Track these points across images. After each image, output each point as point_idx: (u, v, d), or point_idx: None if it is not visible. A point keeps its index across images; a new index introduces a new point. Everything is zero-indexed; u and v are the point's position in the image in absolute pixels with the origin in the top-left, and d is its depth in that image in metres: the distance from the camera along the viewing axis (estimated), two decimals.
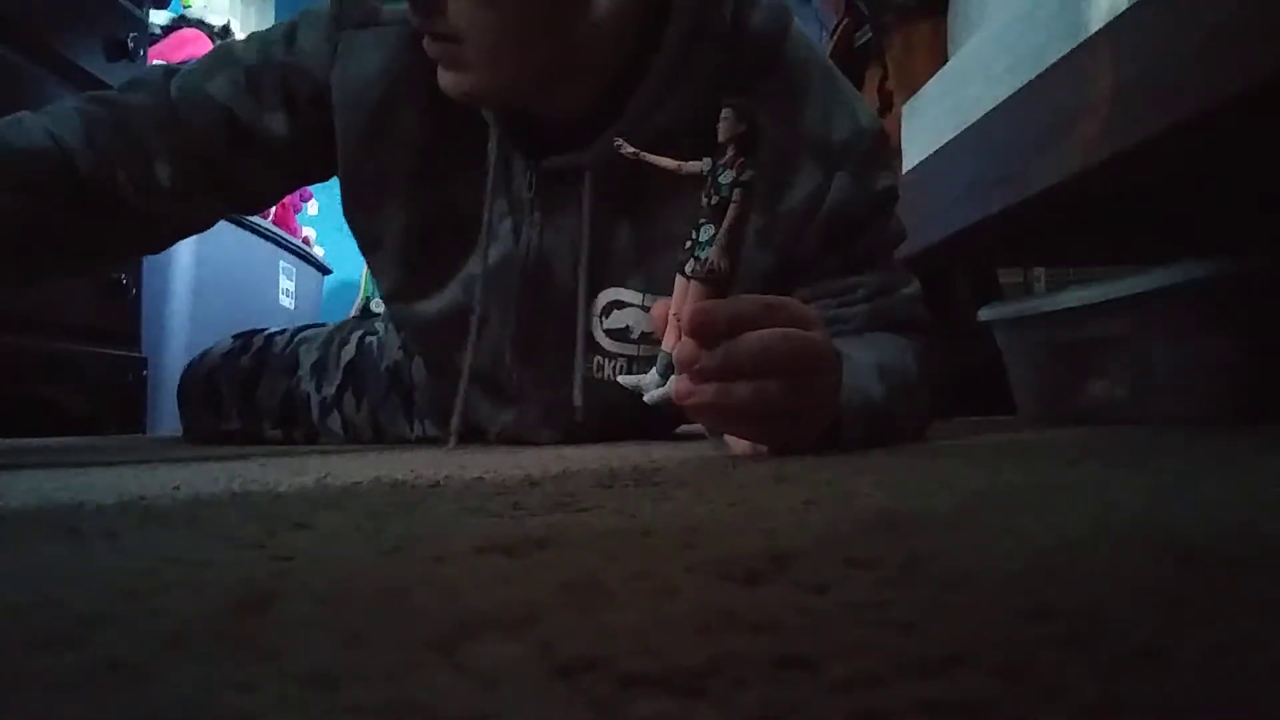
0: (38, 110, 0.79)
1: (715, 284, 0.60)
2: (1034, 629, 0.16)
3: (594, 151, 0.74)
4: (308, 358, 1.06)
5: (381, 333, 1.07)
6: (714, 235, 0.63)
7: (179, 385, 1.12)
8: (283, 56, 0.79)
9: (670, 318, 0.60)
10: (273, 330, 1.14)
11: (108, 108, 0.78)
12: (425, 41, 0.68)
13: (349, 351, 1.06)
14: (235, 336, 1.12)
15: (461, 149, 0.78)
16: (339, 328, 1.12)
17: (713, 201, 0.64)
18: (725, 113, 0.63)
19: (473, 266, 0.81)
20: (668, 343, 0.61)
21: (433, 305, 0.84)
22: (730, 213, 0.63)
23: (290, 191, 0.91)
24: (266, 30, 0.82)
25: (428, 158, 0.79)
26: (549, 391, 0.84)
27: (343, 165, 0.81)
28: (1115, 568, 0.22)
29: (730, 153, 0.64)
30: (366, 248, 0.86)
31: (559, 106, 0.75)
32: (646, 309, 0.77)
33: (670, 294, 0.74)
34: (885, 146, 0.81)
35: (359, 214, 0.83)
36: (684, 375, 0.55)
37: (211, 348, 1.12)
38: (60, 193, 0.73)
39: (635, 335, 0.80)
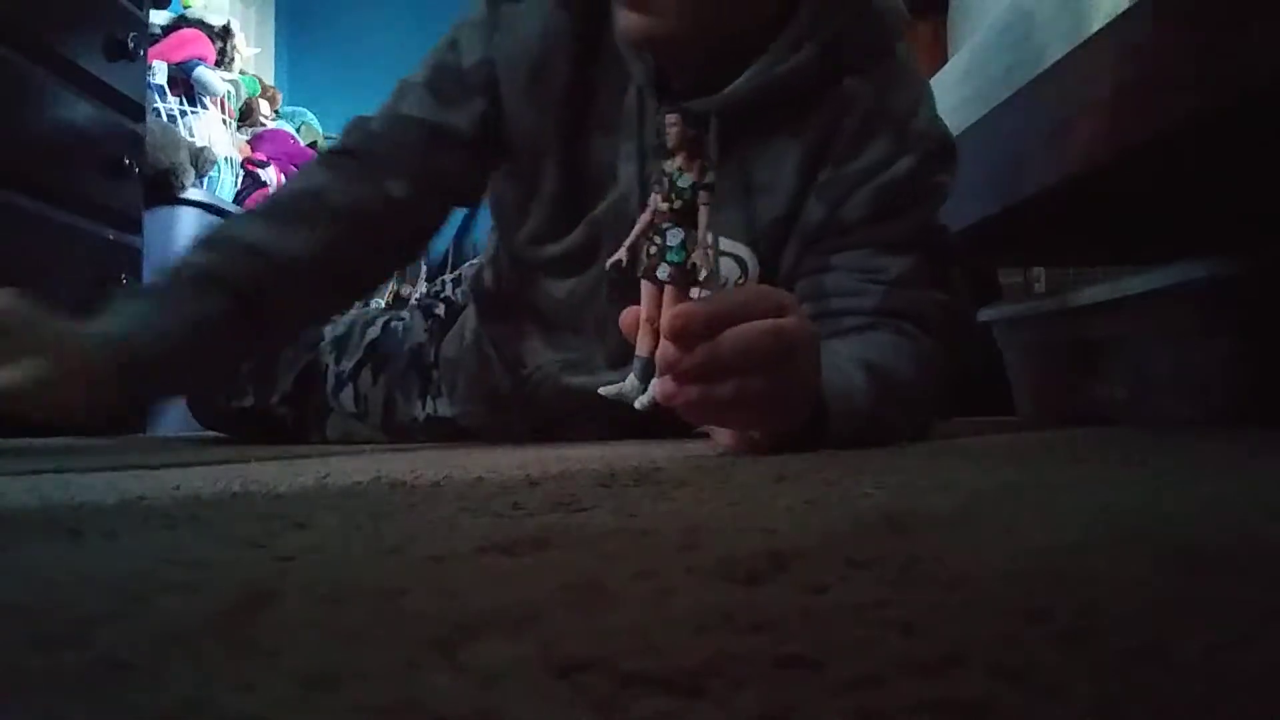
0: None
1: (690, 286, 0.61)
2: (1034, 629, 0.16)
3: (725, 97, 0.80)
4: (331, 334, 1.09)
5: (408, 319, 1.11)
6: (683, 239, 0.64)
7: None
8: (452, 61, 0.87)
9: (642, 323, 0.62)
10: None
11: (338, 155, 0.89)
12: None
13: (374, 331, 1.11)
14: None
15: (601, 102, 0.85)
16: (364, 312, 1.17)
17: (675, 205, 0.65)
18: (672, 118, 0.65)
19: (599, 209, 0.87)
20: (643, 348, 0.62)
21: (559, 246, 0.90)
22: (702, 216, 0.65)
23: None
24: (432, 50, 0.91)
25: (575, 109, 0.86)
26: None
27: (509, 124, 0.88)
28: (1115, 568, 0.22)
29: (683, 156, 0.65)
30: (523, 199, 0.91)
31: (709, 55, 0.81)
32: (721, 252, 0.83)
33: (745, 237, 0.81)
34: (953, 155, 0.86)
35: (521, 168, 0.90)
36: (667, 377, 0.56)
37: None
38: (329, 224, 0.84)
39: (700, 276, 0.83)
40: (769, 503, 0.35)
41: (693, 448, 0.68)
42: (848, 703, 0.13)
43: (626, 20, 0.76)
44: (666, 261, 0.63)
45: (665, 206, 0.66)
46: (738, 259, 0.83)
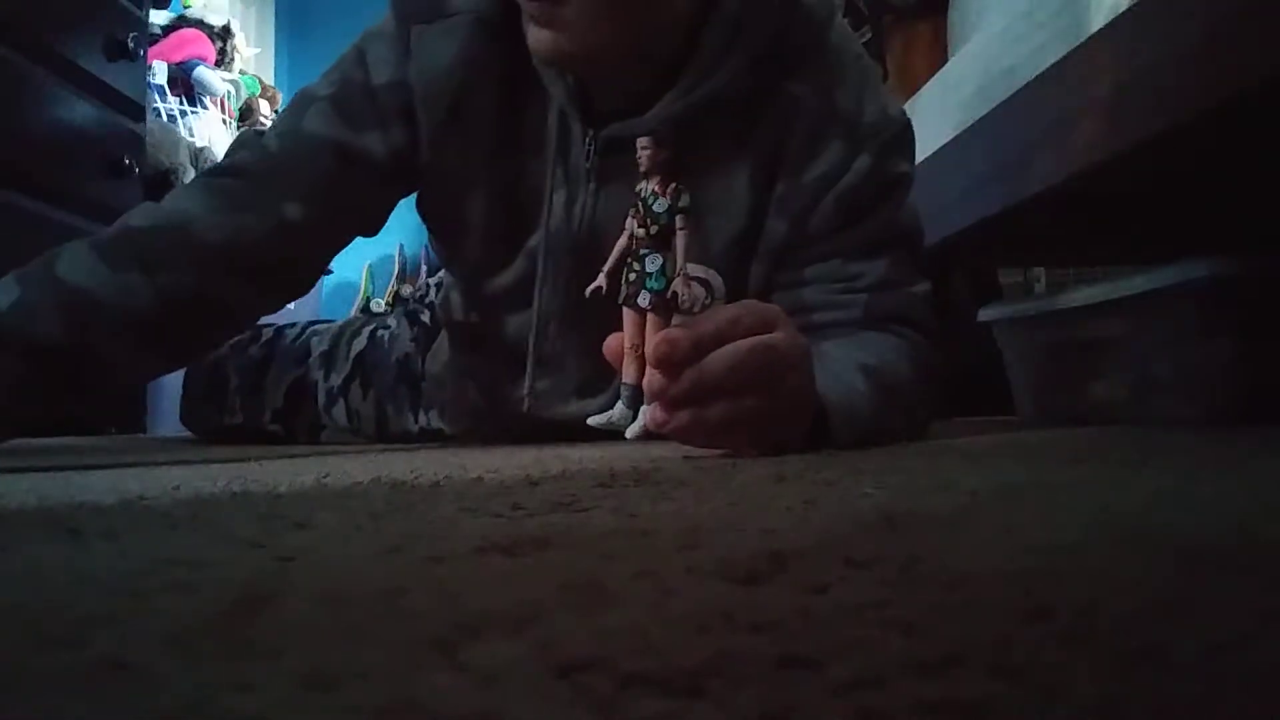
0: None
1: (672, 312, 0.61)
2: (1034, 629, 0.16)
3: (652, 118, 0.76)
4: (318, 348, 1.08)
5: (394, 327, 1.09)
6: (663, 265, 0.64)
7: (185, 373, 1.13)
8: (360, 78, 0.81)
9: (626, 350, 0.61)
10: (282, 324, 1.15)
11: (223, 175, 0.80)
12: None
13: (360, 343, 1.08)
14: None
15: (528, 126, 0.81)
16: (349, 322, 1.14)
17: (651, 231, 0.65)
18: (644, 142, 0.65)
19: (535, 239, 0.84)
20: (629, 375, 0.62)
21: (503, 279, 0.87)
22: (680, 240, 0.65)
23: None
24: (337, 60, 0.84)
25: (500, 137, 0.82)
26: (589, 361, 0.84)
27: (427, 155, 0.82)
28: (1115, 568, 0.22)
29: (657, 181, 0.65)
30: (452, 234, 0.87)
31: (628, 72, 0.77)
32: (695, 277, 0.80)
33: (703, 259, 0.77)
34: (909, 137, 0.83)
35: (445, 202, 0.85)
36: (656, 405, 0.56)
37: None
38: (193, 263, 0.75)
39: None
40: (769, 503, 0.35)
41: (692, 448, 0.68)
42: (848, 703, 0.13)
43: (536, 38, 0.71)
44: (647, 288, 0.63)
45: (642, 232, 0.66)
46: (703, 281, 0.82)
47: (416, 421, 1.05)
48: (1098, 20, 0.91)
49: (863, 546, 0.24)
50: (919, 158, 1.33)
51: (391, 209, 0.88)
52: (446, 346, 1.01)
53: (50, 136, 1.40)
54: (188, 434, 1.23)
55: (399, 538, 0.27)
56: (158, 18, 2.20)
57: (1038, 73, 1.03)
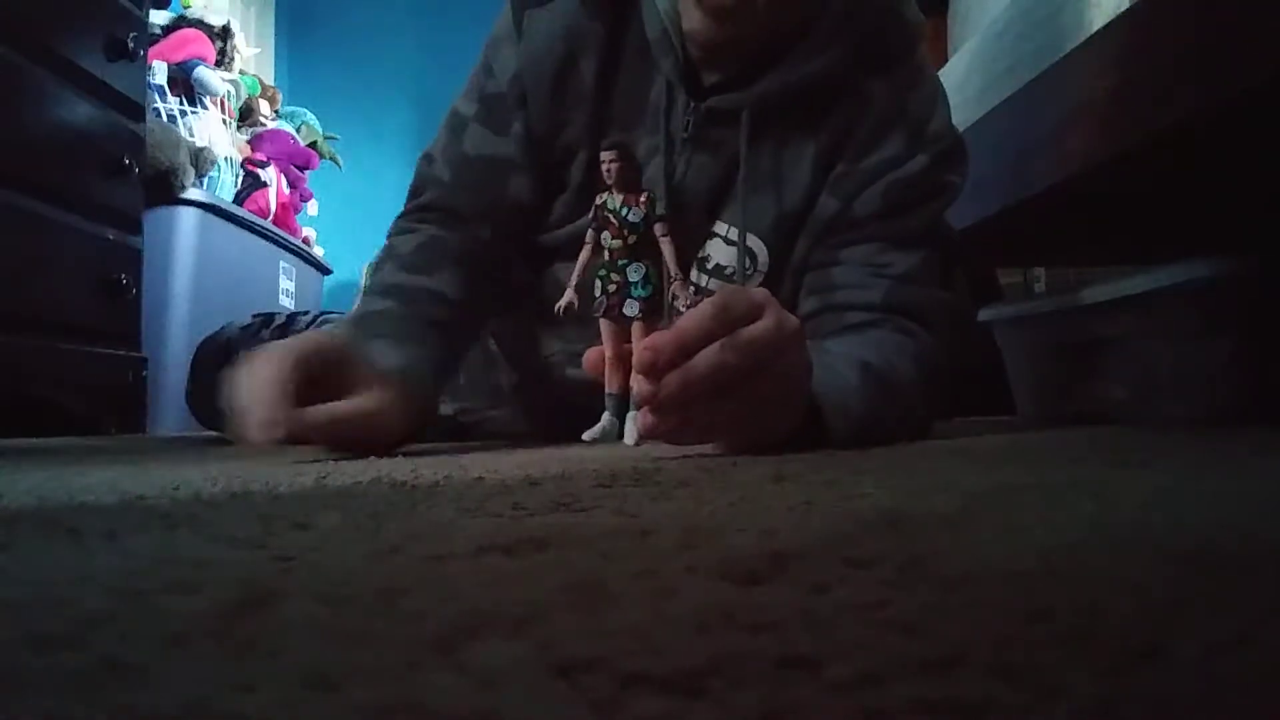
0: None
1: (661, 318, 0.61)
2: (1034, 629, 0.16)
3: (755, 92, 0.81)
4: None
5: None
6: (646, 274, 0.65)
7: (194, 357, 1.14)
8: (493, 89, 0.88)
9: (609, 360, 0.62)
10: (294, 310, 1.16)
11: (424, 211, 0.90)
12: None
13: None
14: (255, 315, 1.15)
15: (623, 97, 0.86)
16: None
17: (629, 241, 0.65)
18: (609, 155, 0.66)
19: None
20: (613, 384, 0.63)
21: (568, 230, 0.90)
22: (666, 247, 0.65)
23: None
24: (471, 76, 0.90)
25: (600, 104, 0.86)
26: None
27: (538, 128, 0.88)
28: (1115, 568, 0.22)
29: (624, 193, 0.66)
30: (553, 194, 0.92)
31: (753, 50, 0.82)
32: (731, 242, 0.84)
33: (757, 230, 0.83)
34: (966, 156, 0.88)
35: (554, 166, 0.90)
36: (645, 410, 0.56)
37: (230, 323, 1.14)
38: (456, 266, 0.85)
39: (710, 265, 0.86)
40: (769, 503, 0.35)
41: (693, 447, 0.68)
42: (848, 703, 0.13)
43: (699, 25, 0.76)
44: (633, 297, 0.63)
45: (618, 244, 0.66)
46: (749, 250, 0.84)
47: None
48: (1098, 20, 0.91)
49: (863, 546, 0.24)
50: None
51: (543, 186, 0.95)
52: None
53: (50, 136, 1.40)
54: (188, 434, 1.23)
55: (399, 538, 0.27)
56: (158, 18, 2.20)
57: (1038, 73, 1.03)
